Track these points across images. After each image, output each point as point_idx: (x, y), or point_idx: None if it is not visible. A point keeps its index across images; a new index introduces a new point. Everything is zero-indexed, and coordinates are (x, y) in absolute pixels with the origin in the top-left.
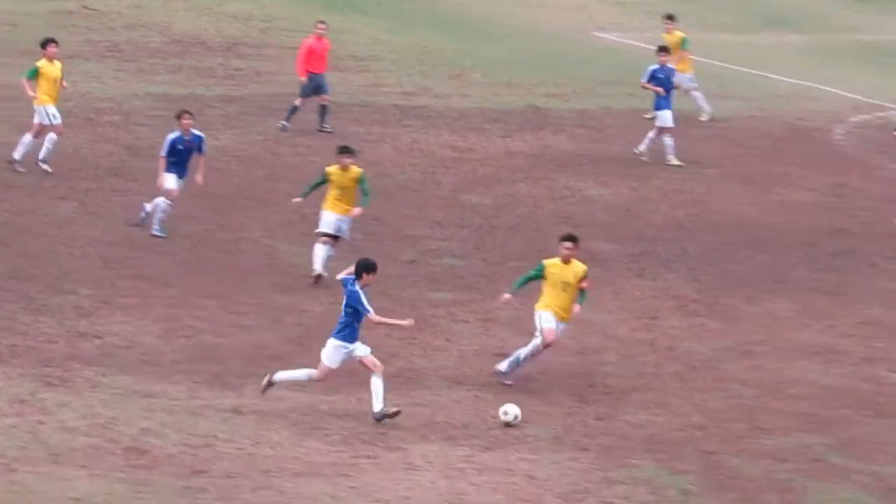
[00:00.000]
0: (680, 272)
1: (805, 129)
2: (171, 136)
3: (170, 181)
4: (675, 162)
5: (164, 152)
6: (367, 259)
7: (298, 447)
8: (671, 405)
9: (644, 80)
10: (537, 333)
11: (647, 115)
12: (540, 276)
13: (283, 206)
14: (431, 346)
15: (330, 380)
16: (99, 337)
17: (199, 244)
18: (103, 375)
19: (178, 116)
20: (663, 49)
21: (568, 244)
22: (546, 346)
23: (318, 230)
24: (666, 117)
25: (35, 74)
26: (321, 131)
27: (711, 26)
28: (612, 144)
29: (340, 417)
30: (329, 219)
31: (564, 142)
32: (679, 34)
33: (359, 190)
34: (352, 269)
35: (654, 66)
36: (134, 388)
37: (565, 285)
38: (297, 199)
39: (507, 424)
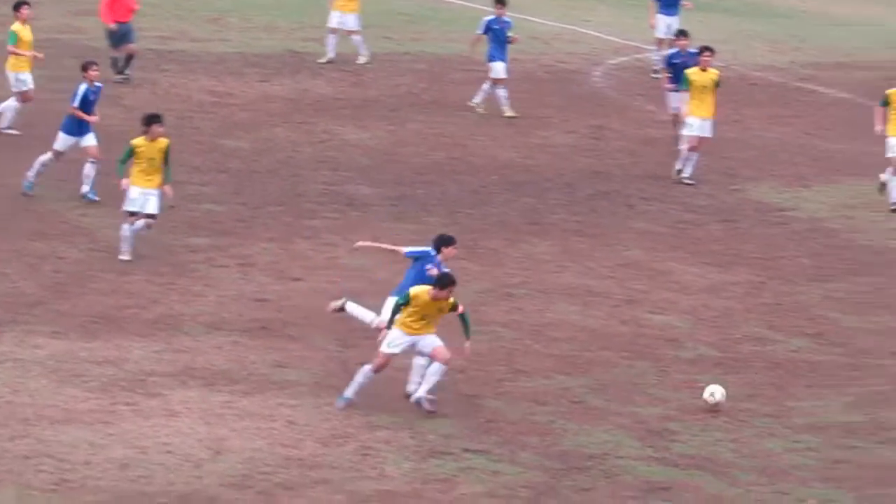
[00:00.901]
0: (440, 215)
1: (565, 72)
2: (82, 87)
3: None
4: (510, 113)
5: (76, 103)
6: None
7: (57, 395)
8: None
9: (479, 31)
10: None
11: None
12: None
13: (39, 149)
14: (190, 291)
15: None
16: None
17: None
18: None
19: (85, 68)
20: (500, 1)
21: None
22: (446, 362)
23: (124, 208)
24: (498, 69)
25: (16, 39)
26: (119, 76)
27: None
28: (369, 88)
29: (99, 364)
30: (134, 194)
31: (323, 86)
32: None
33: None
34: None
35: (490, 18)
36: None
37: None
38: (124, 181)
39: (716, 407)
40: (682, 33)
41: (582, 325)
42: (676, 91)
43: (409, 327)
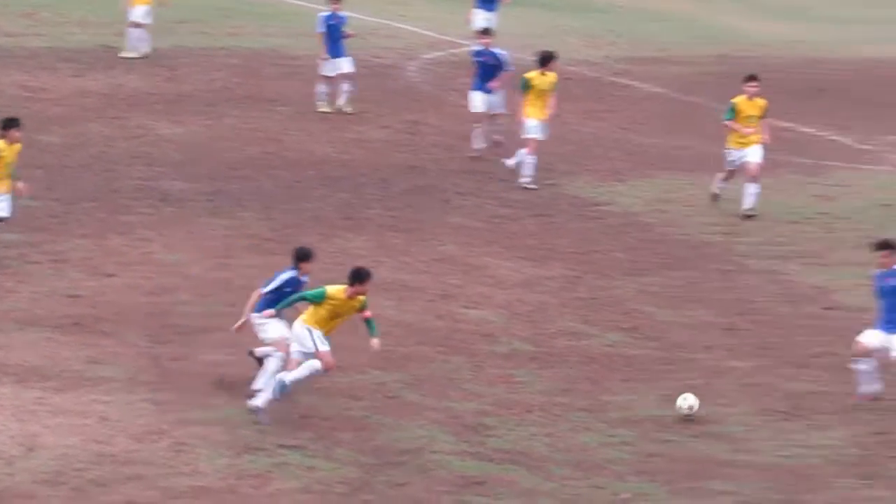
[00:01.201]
0: (255, 210)
1: (381, 67)
2: None
3: None
4: (326, 109)
5: None
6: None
7: None
8: (247, 344)
9: (320, 30)
10: (298, 354)
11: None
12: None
13: None
14: (2, 287)
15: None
16: None
17: None
18: None
19: None
20: None
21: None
22: (328, 369)
23: None
24: (327, 66)
25: None
26: None
27: None
28: (184, 83)
29: None
30: None
31: (137, 80)
32: None
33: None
34: None
35: (326, 14)
36: None
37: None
38: None
39: (688, 416)
40: (486, 31)
41: (397, 320)
42: (486, 92)
43: (324, 327)
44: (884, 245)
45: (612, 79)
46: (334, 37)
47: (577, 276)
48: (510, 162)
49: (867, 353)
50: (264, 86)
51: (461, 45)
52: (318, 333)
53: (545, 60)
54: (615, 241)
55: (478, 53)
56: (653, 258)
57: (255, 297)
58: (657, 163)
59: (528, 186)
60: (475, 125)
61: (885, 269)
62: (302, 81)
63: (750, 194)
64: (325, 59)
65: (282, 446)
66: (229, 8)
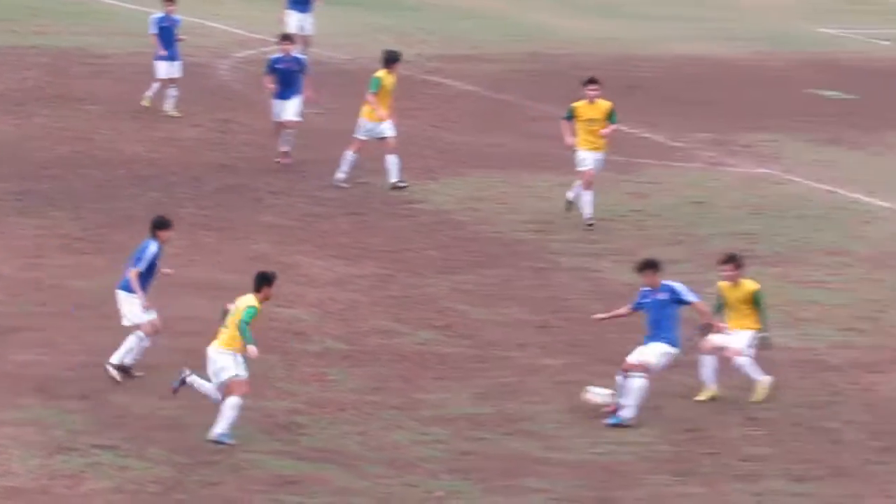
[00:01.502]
0: (65, 210)
1: (192, 66)
2: None
3: None
4: (174, 113)
5: None
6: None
7: None
8: (58, 344)
9: (152, 31)
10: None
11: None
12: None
13: None
14: None
15: None
16: None
17: None
18: None
19: None
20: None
21: None
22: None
23: None
24: (160, 69)
25: None
26: None
27: None
28: None
29: None
30: None
31: None
32: None
33: None
34: None
35: (159, 16)
36: None
37: None
38: None
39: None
40: (286, 38)
41: (210, 320)
42: (281, 99)
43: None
44: (645, 266)
45: (424, 77)
46: (167, 39)
47: (389, 274)
48: (393, 179)
49: (642, 369)
50: (74, 85)
51: (271, 44)
52: (240, 358)
53: (390, 60)
54: (428, 240)
55: (277, 60)
56: (465, 256)
57: (132, 276)
58: (469, 160)
59: (340, 185)
60: (286, 131)
61: (649, 288)
62: (112, 80)
63: (587, 202)
64: (160, 61)
65: (95, 446)
66: (37, 7)
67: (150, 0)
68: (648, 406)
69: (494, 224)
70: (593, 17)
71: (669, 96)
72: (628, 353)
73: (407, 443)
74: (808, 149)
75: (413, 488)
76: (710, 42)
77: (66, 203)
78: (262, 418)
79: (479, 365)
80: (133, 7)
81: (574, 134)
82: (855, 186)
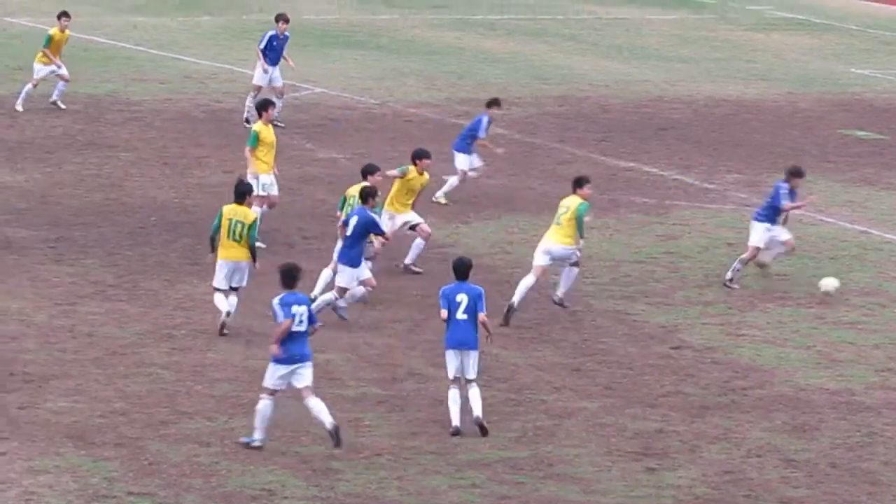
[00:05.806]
0: (98, 257)
1: (221, 111)
2: None
3: None
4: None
5: None
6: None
7: None
8: (92, 392)
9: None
10: None
11: None
12: None
13: None
14: None
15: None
16: None
17: None
18: None
19: None
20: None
21: None
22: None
23: None
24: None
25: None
26: None
27: (123, 9)
28: (25, 130)
29: None
30: None
31: None
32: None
33: None
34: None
35: (272, 33)
36: None
37: None
38: None
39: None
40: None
41: (244, 366)
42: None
43: None
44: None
45: (454, 120)
46: (274, 56)
47: (424, 318)
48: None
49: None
50: (105, 131)
51: (302, 89)
52: None
53: None
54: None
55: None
56: (498, 300)
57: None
58: (500, 204)
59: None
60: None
61: None
62: (141, 126)
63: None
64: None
65: (131, 493)
66: (65, 54)
67: (173, 45)
68: (686, 448)
69: (526, 267)
70: (622, 59)
71: (701, 138)
72: (664, 394)
73: (445, 488)
74: (840, 189)
75: None
76: (742, 83)
77: (98, 250)
78: (298, 464)
79: (514, 408)
80: (157, 52)
81: None
82: (888, 227)
